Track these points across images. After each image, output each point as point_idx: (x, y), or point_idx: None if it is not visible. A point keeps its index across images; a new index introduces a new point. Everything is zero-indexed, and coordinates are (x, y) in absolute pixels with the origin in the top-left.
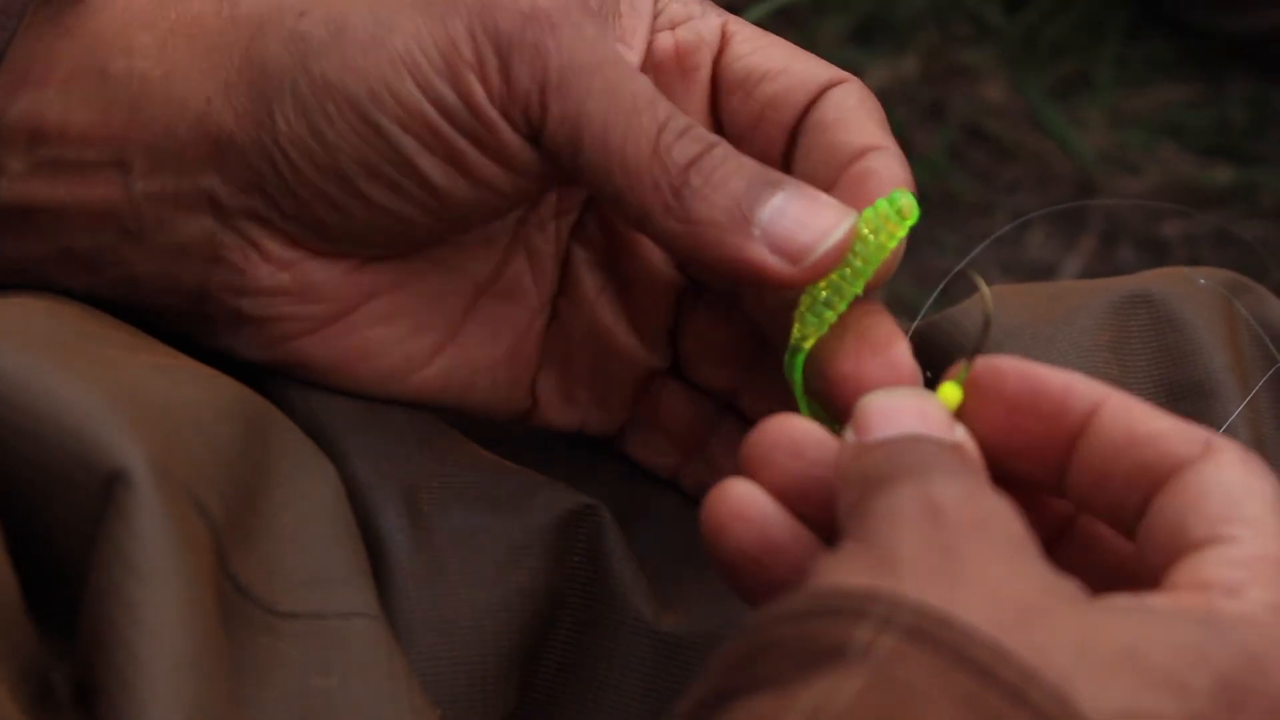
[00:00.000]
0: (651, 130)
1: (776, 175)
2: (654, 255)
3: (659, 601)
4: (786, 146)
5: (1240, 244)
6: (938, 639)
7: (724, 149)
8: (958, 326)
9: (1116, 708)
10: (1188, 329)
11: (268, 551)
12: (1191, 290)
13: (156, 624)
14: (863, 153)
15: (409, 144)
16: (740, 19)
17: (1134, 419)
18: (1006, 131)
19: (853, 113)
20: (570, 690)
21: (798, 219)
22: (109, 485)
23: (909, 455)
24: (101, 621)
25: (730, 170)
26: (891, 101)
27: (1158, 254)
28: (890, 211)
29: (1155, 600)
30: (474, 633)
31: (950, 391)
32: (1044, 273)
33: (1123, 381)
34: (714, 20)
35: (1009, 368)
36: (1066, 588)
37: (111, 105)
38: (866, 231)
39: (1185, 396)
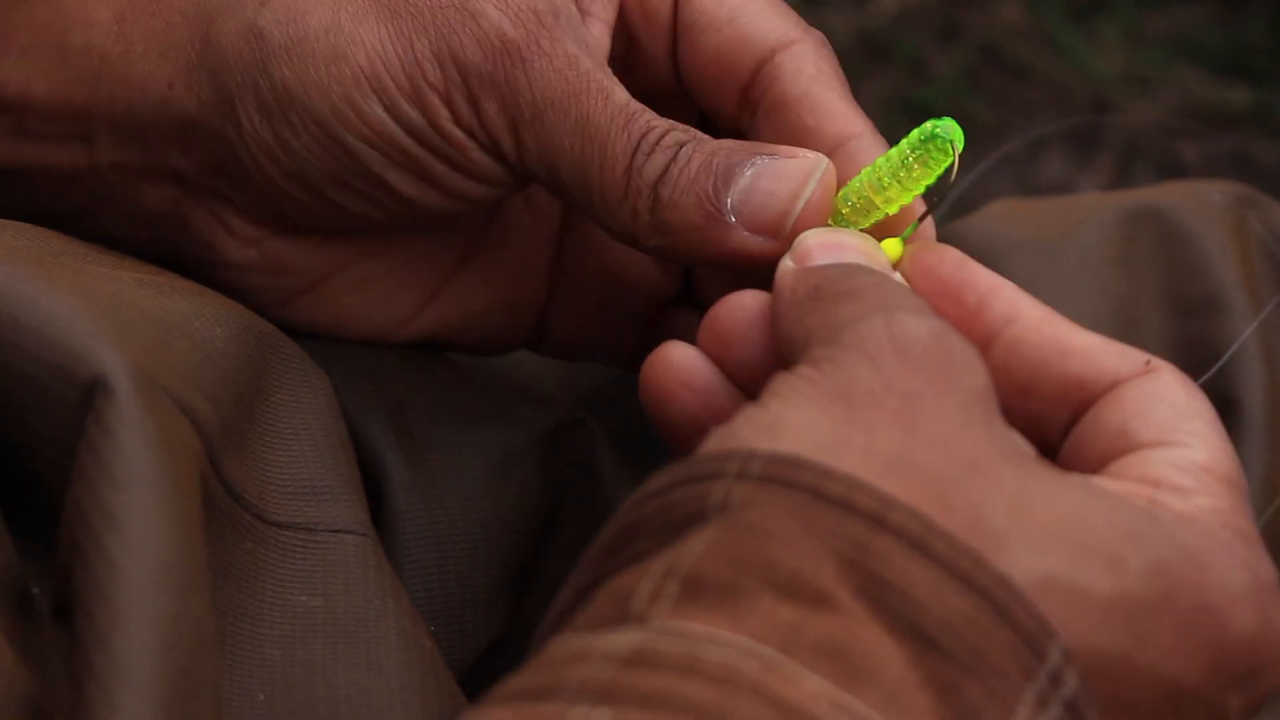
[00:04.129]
0: (624, 157)
1: (739, 152)
2: (657, 52)
3: None
4: (740, 104)
5: (1258, 164)
6: (791, 481)
7: (689, 147)
8: (963, 239)
9: (1044, 572)
10: (1197, 243)
11: (261, 457)
12: (1202, 204)
13: (136, 532)
14: (840, 142)
15: (376, 160)
16: None
17: (1062, 333)
18: (1023, 53)
19: (816, 86)
20: None
21: (766, 191)
22: (89, 394)
23: (872, 286)
24: (80, 531)
25: (695, 168)
26: (907, 24)
27: (1174, 175)
28: (926, 144)
29: (1102, 482)
30: (467, 548)
31: (891, 246)
32: (1059, 194)
33: (1131, 296)
34: None
35: (948, 253)
36: (1019, 449)
37: (71, 80)
38: (902, 161)
39: (1194, 312)
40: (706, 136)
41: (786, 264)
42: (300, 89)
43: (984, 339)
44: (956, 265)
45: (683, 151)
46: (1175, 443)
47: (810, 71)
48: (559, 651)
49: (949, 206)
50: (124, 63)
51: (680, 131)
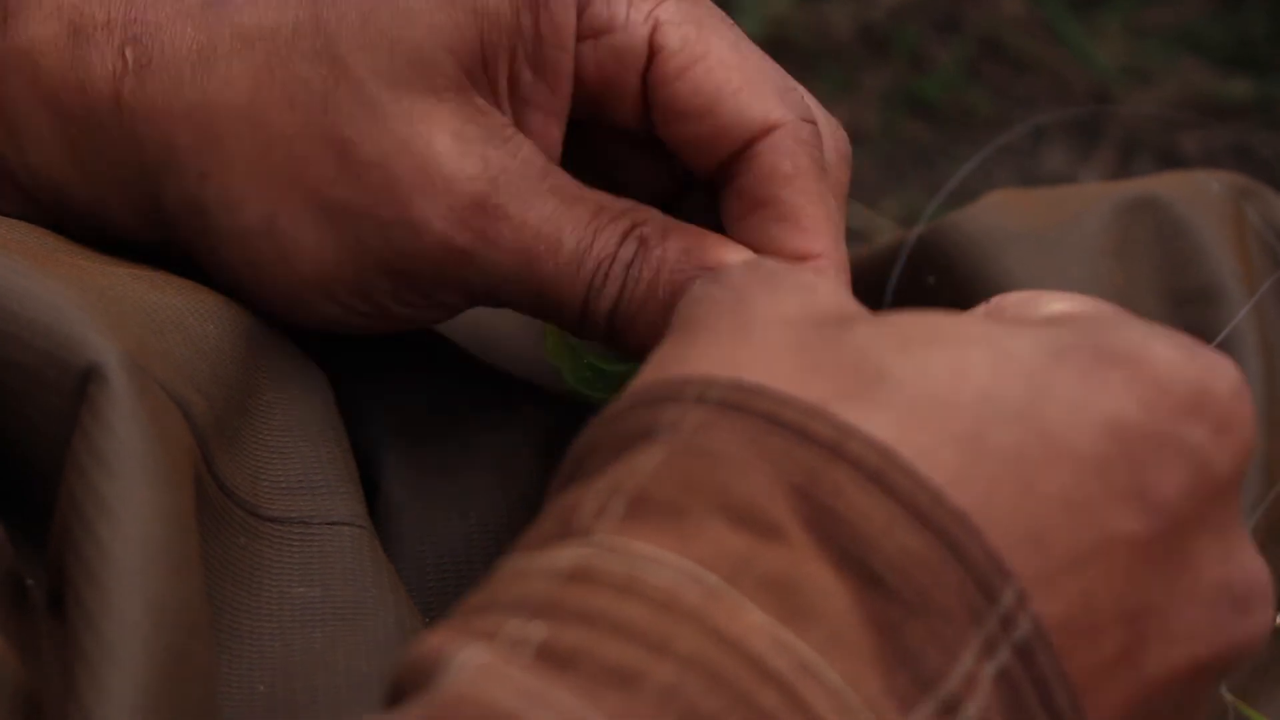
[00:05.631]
0: (578, 301)
1: (683, 267)
2: (626, 113)
3: None
4: (716, 172)
5: (1259, 157)
6: (747, 406)
7: (635, 266)
8: (959, 230)
9: (921, 358)
10: (1194, 234)
11: (255, 453)
12: (1199, 195)
13: (128, 518)
14: (801, 258)
15: (315, 324)
16: (676, 7)
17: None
18: (1024, 45)
19: (788, 189)
20: None
21: None
22: (83, 382)
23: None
24: (73, 519)
25: (642, 294)
26: (907, 15)
27: (1175, 167)
28: None
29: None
30: (463, 543)
31: None
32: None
33: (1127, 288)
34: (640, 31)
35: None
36: (864, 310)
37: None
38: None
39: (1191, 302)
40: (652, 234)
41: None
42: (249, 278)
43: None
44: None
45: (630, 274)
46: (1036, 296)
47: (785, 170)
48: (503, 571)
49: (945, 197)
50: (86, 189)
51: (628, 244)
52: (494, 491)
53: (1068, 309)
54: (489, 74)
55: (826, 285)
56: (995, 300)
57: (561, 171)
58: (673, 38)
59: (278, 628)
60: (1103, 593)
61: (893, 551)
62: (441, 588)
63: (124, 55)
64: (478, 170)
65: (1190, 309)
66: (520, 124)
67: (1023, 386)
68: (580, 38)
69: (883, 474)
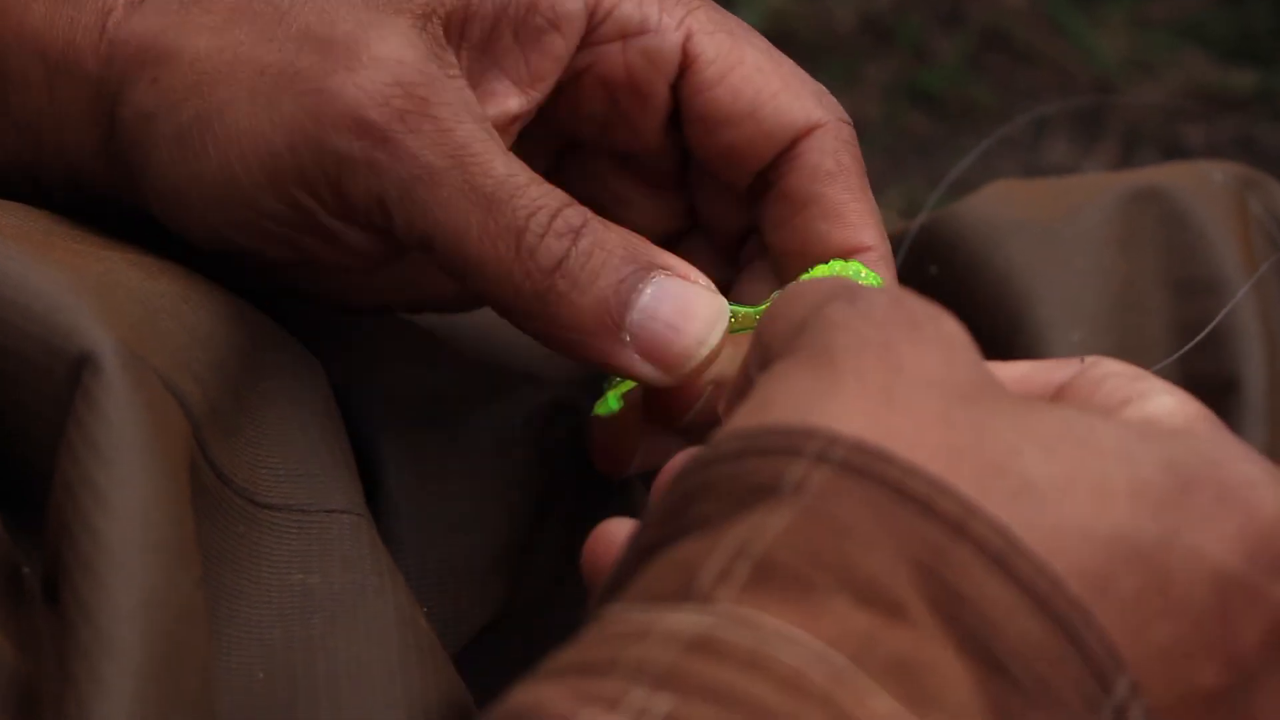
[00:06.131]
0: (511, 233)
1: (647, 259)
2: (647, 126)
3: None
4: (753, 186)
5: (1262, 148)
6: (873, 473)
7: (591, 238)
8: (961, 219)
9: (1064, 471)
10: (1198, 225)
11: (252, 443)
12: (1203, 185)
13: (123, 507)
14: (849, 253)
15: (256, 244)
16: (707, 17)
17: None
18: (1026, 37)
19: (833, 186)
20: (562, 587)
21: (670, 323)
22: (77, 370)
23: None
24: (68, 508)
25: (597, 266)
26: (910, 7)
27: (1178, 159)
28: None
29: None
30: (461, 529)
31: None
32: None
33: (1131, 277)
34: (673, 37)
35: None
36: (1000, 384)
37: (17, 148)
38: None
39: (1194, 293)
40: (601, 224)
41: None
42: (187, 187)
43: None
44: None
45: (585, 240)
46: (1141, 394)
47: (829, 167)
48: (617, 624)
49: (947, 189)
50: (55, 134)
51: (573, 211)
52: (493, 477)
53: (1175, 409)
54: (466, 30)
55: (960, 337)
56: (1096, 372)
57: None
58: (708, 46)
59: (277, 615)
60: None
61: (1015, 637)
62: (440, 576)
63: None
64: (411, 60)
65: (1194, 299)
66: (475, 82)
67: (1154, 526)
68: (609, 39)
69: (1005, 557)
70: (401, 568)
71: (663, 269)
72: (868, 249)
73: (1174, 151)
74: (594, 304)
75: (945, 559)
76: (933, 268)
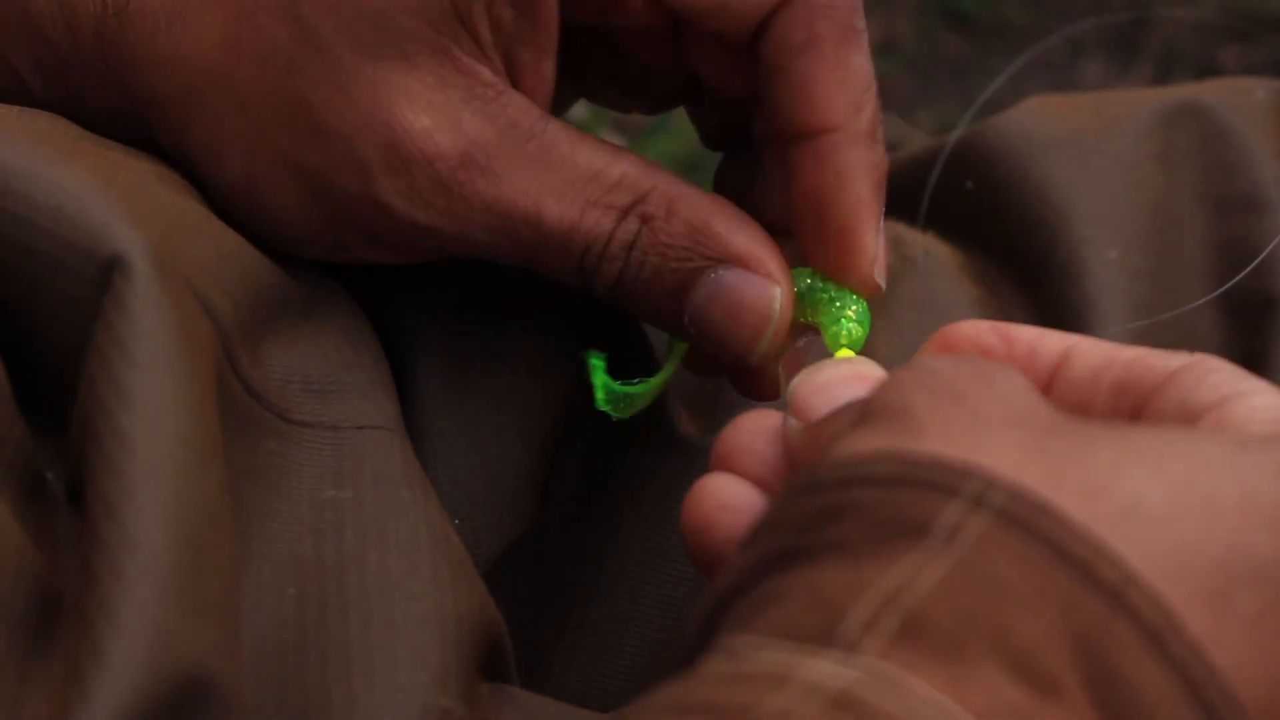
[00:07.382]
0: (572, 269)
1: (704, 251)
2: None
3: (683, 409)
4: (744, 51)
5: None
6: (1033, 528)
7: (638, 249)
8: (998, 134)
9: (1171, 487)
10: (1238, 140)
11: (282, 358)
12: (1244, 101)
13: (150, 409)
14: (814, 134)
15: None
16: None
17: (1106, 348)
18: None
19: (803, 59)
20: (592, 499)
21: (722, 322)
22: (107, 271)
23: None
24: (94, 409)
25: (649, 274)
26: None
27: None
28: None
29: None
30: (495, 442)
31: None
32: None
33: (1169, 194)
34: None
35: (979, 331)
36: (1082, 421)
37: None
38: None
39: (1234, 210)
40: (656, 211)
41: (793, 424)
42: (232, 220)
43: (1044, 379)
44: (995, 327)
45: (633, 256)
46: (1240, 393)
47: (798, 39)
48: (753, 663)
49: (979, 110)
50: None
51: (629, 222)
52: (529, 391)
53: (1276, 408)
54: (467, 27)
55: (1029, 384)
56: (1201, 366)
57: (555, 127)
58: None
59: (309, 530)
60: None
61: None
62: (471, 487)
63: None
64: (447, 144)
65: (1234, 217)
66: (511, 65)
67: (1268, 538)
68: None
69: (1163, 637)
70: (435, 476)
71: (721, 261)
72: (834, 129)
73: (1210, 74)
74: (650, 312)
75: (1105, 634)
76: (969, 182)
